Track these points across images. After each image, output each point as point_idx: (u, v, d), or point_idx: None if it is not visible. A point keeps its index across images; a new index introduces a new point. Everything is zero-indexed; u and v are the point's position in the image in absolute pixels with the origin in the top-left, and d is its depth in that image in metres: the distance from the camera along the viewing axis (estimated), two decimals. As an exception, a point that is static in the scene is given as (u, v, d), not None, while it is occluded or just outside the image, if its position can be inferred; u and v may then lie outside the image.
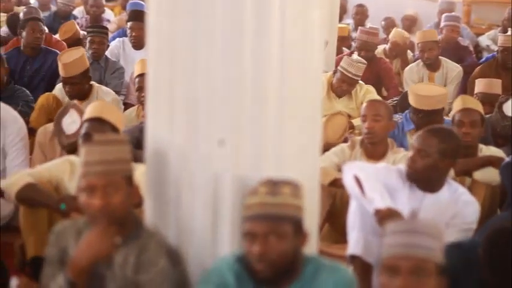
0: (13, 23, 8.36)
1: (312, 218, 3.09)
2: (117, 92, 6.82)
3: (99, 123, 4.23)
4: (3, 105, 5.04)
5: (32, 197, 4.03)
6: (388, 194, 3.78)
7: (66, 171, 4.15)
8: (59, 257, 3.03)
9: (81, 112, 4.73)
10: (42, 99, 5.98)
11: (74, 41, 7.71)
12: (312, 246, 3.04)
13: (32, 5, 9.67)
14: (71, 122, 4.88)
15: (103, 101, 5.05)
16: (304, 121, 3.14)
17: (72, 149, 4.59)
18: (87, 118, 4.30)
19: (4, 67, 6.01)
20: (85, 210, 2.97)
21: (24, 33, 7.10)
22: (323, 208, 4.14)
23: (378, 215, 3.70)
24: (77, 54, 5.98)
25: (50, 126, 5.11)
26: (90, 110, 4.34)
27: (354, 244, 3.88)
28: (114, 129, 4.23)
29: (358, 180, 3.81)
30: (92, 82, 6.03)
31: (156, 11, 3.22)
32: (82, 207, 2.98)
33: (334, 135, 5.80)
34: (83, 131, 4.26)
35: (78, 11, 10.26)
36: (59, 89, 6.16)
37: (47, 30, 7.74)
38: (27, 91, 6.24)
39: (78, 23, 8.64)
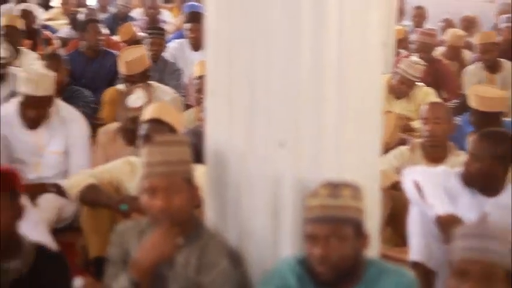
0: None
1: (372, 221, 3.08)
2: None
3: (158, 125, 4.25)
4: (65, 105, 5.11)
5: (93, 198, 4.08)
6: (449, 198, 3.73)
7: (126, 172, 4.18)
8: (122, 258, 3.05)
9: (148, 91, 4.79)
10: (107, 93, 6.06)
11: (133, 43, 7.77)
12: (373, 249, 3.02)
13: (92, 7, 9.78)
14: (136, 98, 4.96)
15: (163, 102, 5.08)
16: (363, 123, 3.13)
17: (133, 124, 4.63)
18: (146, 119, 4.32)
19: (65, 68, 6.09)
20: (147, 211, 2.99)
21: (85, 35, 7.19)
22: (384, 211, 4.11)
23: (438, 221, 3.66)
24: (139, 53, 6.04)
25: (112, 126, 5.16)
26: (150, 110, 4.37)
27: (416, 250, 3.85)
28: (173, 130, 4.25)
29: (418, 186, 3.77)
30: (150, 82, 6.07)
31: (214, 13, 3.24)
32: (144, 208, 3.00)
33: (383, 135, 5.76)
34: (142, 132, 4.29)
35: (137, 13, 10.35)
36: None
37: (106, 31, 7.83)
38: (87, 91, 6.30)
39: (136, 25, 8.70)
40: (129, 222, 3.22)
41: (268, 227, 3.06)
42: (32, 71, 4.99)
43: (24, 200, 3.15)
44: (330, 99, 3.02)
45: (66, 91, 5.98)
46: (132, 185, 4.06)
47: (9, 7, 9.88)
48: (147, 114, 4.34)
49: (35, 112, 4.86)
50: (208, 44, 3.30)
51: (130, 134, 4.81)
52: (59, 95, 5.25)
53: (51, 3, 10.75)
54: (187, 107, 6.71)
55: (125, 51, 6.16)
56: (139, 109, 4.75)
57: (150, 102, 4.89)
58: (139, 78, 5.87)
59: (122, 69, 5.94)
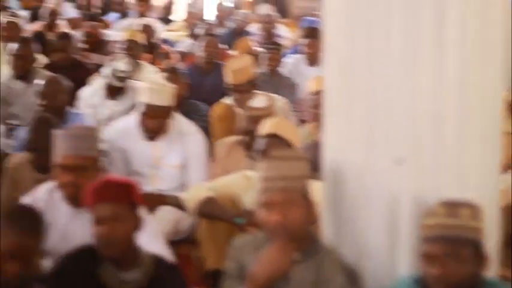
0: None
1: (491, 241, 3.02)
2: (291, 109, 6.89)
3: (275, 140, 4.25)
4: (183, 119, 5.18)
5: (210, 211, 4.12)
6: None
7: (243, 186, 4.20)
8: (238, 272, 3.06)
9: (269, 98, 4.85)
10: (216, 109, 6.09)
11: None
12: (492, 270, 2.96)
13: (210, 21, 9.92)
14: (258, 101, 5.04)
15: (280, 117, 5.07)
16: (483, 141, 3.07)
17: (254, 125, 4.67)
18: (264, 134, 4.34)
19: (184, 82, 6.18)
20: (263, 226, 3.00)
21: (202, 49, 7.30)
22: (503, 231, 4.01)
23: None
24: (244, 62, 6.06)
25: (229, 139, 5.19)
26: (267, 125, 4.37)
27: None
28: (290, 145, 4.25)
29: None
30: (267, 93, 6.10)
31: (332, 28, 3.24)
32: (261, 222, 3.01)
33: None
34: (259, 147, 4.31)
35: (254, 28, 10.43)
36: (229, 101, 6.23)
37: (224, 46, 7.93)
38: (204, 105, 6.38)
39: (252, 39, 8.77)
40: (246, 236, 3.25)
41: (385, 245, 3.03)
42: (152, 81, 5.08)
43: (143, 212, 3.22)
44: (450, 117, 2.98)
45: (184, 105, 6.06)
46: (248, 199, 4.08)
47: (131, 22, 10.11)
48: (265, 129, 4.35)
49: (154, 122, 4.94)
50: (326, 59, 3.30)
51: (248, 145, 4.83)
52: (177, 108, 5.33)
53: (171, 17, 10.95)
54: (302, 122, 6.72)
55: (231, 60, 6.19)
56: (263, 109, 4.80)
57: (272, 107, 4.93)
58: (245, 88, 5.89)
59: (228, 78, 5.98)
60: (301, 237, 2.98)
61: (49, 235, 3.55)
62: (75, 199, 3.56)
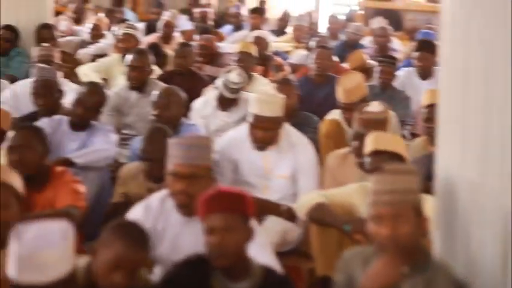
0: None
1: None
2: (403, 122, 6.81)
3: (384, 156, 4.20)
4: (293, 130, 5.18)
5: (321, 216, 4.16)
6: None
7: (360, 196, 4.18)
8: (347, 284, 3.07)
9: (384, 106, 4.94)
10: (323, 126, 6.06)
11: (362, 70, 7.78)
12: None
13: (323, 34, 9.92)
14: (374, 106, 5.04)
15: (386, 132, 5.00)
16: None
17: (368, 126, 4.69)
18: (371, 150, 4.30)
19: (295, 93, 6.19)
20: (373, 238, 2.99)
21: (314, 61, 7.30)
22: None
23: None
24: (357, 80, 6.00)
25: (341, 151, 5.15)
26: (373, 142, 4.32)
27: None
28: (400, 159, 4.19)
29: None
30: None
31: (449, 41, 3.19)
32: (370, 235, 3.00)
33: None
34: (368, 165, 4.28)
35: (367, 41, 10.39)
36: (338, 113, 6.16)
37: (336, 59, 7.90)
38: (316, 118, 6.37)
39: (366, 52, 8.73)
40: (356, 249, 3.23)
41: (498, 261, 2.97)
42: (262, 92, 5.10)
43: (254, 223, 3.23)
44: None
45: (295, 116, 6.07)
46: (365, 209, 4.07)
47: (244, 34, 10.22)
48: (371, 145, 4.31)
49: (264, 133, 4.96)
50: (441, 73, 3.26)
51: (358, 151, 4.78)
52: (288, 119, 5.34)
53: (285, 30, 11.01)
54: (414, 136, 6.65)
55: (343, 79, 6.13)
56: (378, 113, 4.84)
57: (387, 112, 4.95)
58: (357, 107, 5.87)
59: (340, 96, 5.95)
60: (411, 251, 2.96)
61: (160, 243, 3.62)
62: (186, 207, 3.60)
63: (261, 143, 5.00)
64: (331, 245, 4.10)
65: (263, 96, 4.99)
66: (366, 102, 5.76)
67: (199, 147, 3.66)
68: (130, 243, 3.03)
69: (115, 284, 2.99)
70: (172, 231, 3.70)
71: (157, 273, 3.65)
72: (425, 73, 7.53)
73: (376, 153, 4.24)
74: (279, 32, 10.42)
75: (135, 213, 3.75)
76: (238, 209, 3.10)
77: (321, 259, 4.18)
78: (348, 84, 5.90)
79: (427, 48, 7.54)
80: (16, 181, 3.57)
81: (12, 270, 2.62)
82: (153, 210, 3.73)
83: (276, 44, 9.72)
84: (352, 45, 9.71)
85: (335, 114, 6.09)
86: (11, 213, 3.42)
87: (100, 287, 3.04)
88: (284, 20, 11.03)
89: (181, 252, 3.47)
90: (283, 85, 6.09)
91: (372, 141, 4.31)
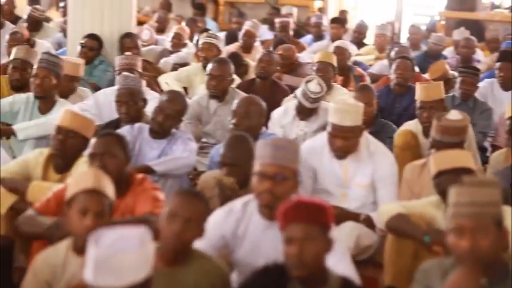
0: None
1: None
2: (484, 134, 6.73)
3: (451, 174, 4.12)
4: (373, 139, 5.15)
5: (401, 226, 4.16)
6: None
7: (436, 209, 4.18)
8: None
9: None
10: (399, 137, 6.01)
11: (443, 81, 7.71)
12: None
13: (404, 44, 9.86)
14: (454, 114, 4.98)
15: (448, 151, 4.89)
16: None
17: (447, 134, 4.72)
18: (437, 172, 4.26)
19: (375, 101, 6.16)
20: (452, 251, 2.95)
21: (394, 72, 7.26)
22: None
23: None
24: (436, 83, 6.03)
25: (418, 162, 5.13)
26: (437, 162, 4.28)
27: None
28: (468, 172, 4.12)
29: None
30: None
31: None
32: (449, 247, 2.97)
33: None
34: (436, 186, 4.25)
35: (449, 51, 10.28)
36: (413, 124, 6.14)
37: (417, 69, 7.84)
38: (395, 126, 6.32)
39: (448, 63, 8.64)
40: (434, 261, 3.20)
41: None
42: (341, 102, 5.08)
43: (333, 233, 3.21)
44: None
45: (374, 125, 6.04)
46: (442, 221, 4.04)
47: (325, 44, 10.21)
48: (436, 166, 4.26)
49: (343, 142, 4.94)
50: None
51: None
52: (367, 127, 5.31)
53: (365, 41, 10.96)
54: (495, 147, 6.56)
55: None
56: (458, 121, 4.82)
57: (467, 120, 4.99)
58: (435, 105, 5.82)
59: (419, 94, 5.93)
60: (491, 264, 2.92)
61: (240, 247, 3.65)
62: (270, 208, 3.59)
63: (340, 152, 4.98)
64: (405, 256, 4.08)
65: (342, 105, 4.96)
66: (445, 107, 5.75)
67: (287, 149, 3.67)
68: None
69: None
70: (253, 235, 3.72)
71: (234, 279, 3.67)
72: (508, 84, 7.42)
73: (442, 174, 4.21)
74: (356, 43, 10.34)
75: (216, 217, 3.78)
76: (318, 220, 3.10)
77: (392, 269, 4.17)
78: (427, 84, 5.91)
79: (508, 58, 7.43)
80: (110, 187, 3.64)
81: (88, 274, 2.66)
82: (234, 214, 3.77)
83: (358, 56, 9.70)
84: (433, 56, 9.62)
85: (411, 125, 6.06)
86: (103, 221, 3.49)
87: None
88: (359, 32, 10.93)
89: (260, 256, 3.51)
90: (362, 92, 6.08)
91: (435, 163, 4.28)
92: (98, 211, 3.52)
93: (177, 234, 3.30)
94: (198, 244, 3.51)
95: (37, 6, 10.67)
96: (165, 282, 3.25)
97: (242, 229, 3.72)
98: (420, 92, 5.94)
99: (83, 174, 3.70)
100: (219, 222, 3.74)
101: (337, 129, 4.92)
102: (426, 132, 5.68)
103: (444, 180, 4.13)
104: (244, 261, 3.69)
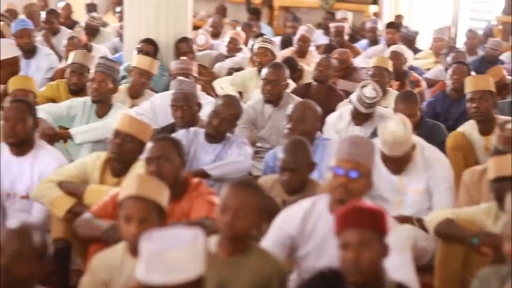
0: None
1: None
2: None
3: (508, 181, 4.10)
4: (427, 145, 5.11)
5: (449, 230, 4.18)
6: None
7: (488, 217, 4.14)
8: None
9: None
10: (450, 139, 5.97)
11: (500, 86, 7.62)
12: None
13: (460, 49, 9.78)
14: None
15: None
16: None
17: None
18: (495, 177, 4.23)
19: (417, 106, 6.07)
20: (508, 257, 2.93)
21: (450, 77, 7.21)
22: None
23: None
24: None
25: (478, 167, 5.05)
26: (496, 166, 4.26)
27: None
28: None
29: None
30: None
31: None
32: (506, 255, 2.94)
33: None
34: (493, 191, 4.22)
35: (506, 56, 10.16)
36: (469, 124, 6.11)
37: (474, 74, 7.77)
38: (445, 130, 6.26)
39: (505, 68, 8.54)
40: (491, 269, 3.17)
41: None
42: (388, 133, 4.87)
43: (392, 238, 3.19)
44: None
45: (421, 127, 5.97)
46: (495, 228, 4.00)
47: (380, 48, 10.16)
48: (494, 171, 4.24)
49: (394, 165, 4.98)
50: None
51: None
52: (414, 129, 5.26)
53: (418, 46, 10.89)
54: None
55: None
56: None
57: None
58: (484, 95, 5.80)
59: (467, 86, 5.93)
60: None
61: (305, 244, 3.65)
62: (342, 204, 3.56)
63: (393, 172, 4.99)
64: (455, 262, 4.08)
65: (389, 136, 4.81)
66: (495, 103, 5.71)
67: (363, 147, 3.65)
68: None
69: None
70: (320, 233, 3.70)
71: (292, 279, 3.67)
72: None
73: (501, 180, 4.17)
74: (409, 46, 10.24)
75: (282, 216, 3.81)
76: (375, 226, 3.08)
77: (441, 274, 4.18)
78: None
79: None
80: (160, 192, 3.66)
81: (140, 270, 2.68)
82: (302, 212, 3.75)
83: (415, 61, 9.64)
84: (490, 61, 9.52)
85: (467, 125, 6.02)
86: (149, 227, 3.47)
87: None
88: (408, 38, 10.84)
89: (325, 254, 3.55)
90: (405, 104, 5.92)
91: (495, 167, 4.25)
92: (141, 218, 3.51)
93: (228, 225, 3.33)
94: (265, 243, 3.57)
95: (94, 15, 10.78)
96: (224, 269, 3.32)
97: (310, 227, 3.71)
98: (468, 84, 5.95)
99: (128, 180, 3.72)
100: (286, 220, 3.75)
101: (388, 158, 4.92)
102: (480, 128, 5.66)
103: (503, 186, 4.09)
104: (307, 259, 3.69)
